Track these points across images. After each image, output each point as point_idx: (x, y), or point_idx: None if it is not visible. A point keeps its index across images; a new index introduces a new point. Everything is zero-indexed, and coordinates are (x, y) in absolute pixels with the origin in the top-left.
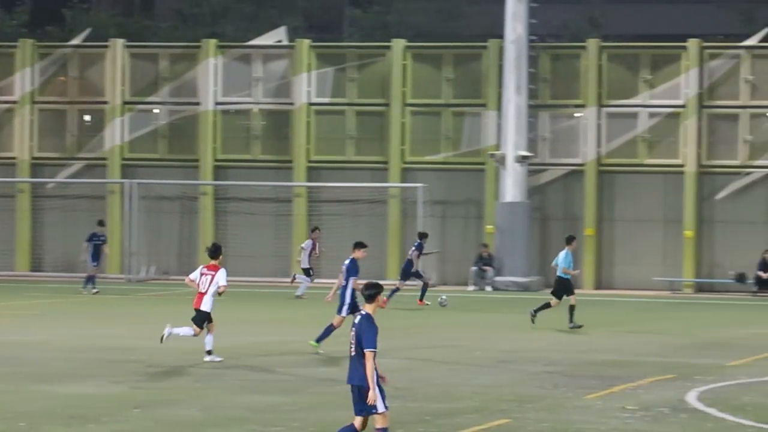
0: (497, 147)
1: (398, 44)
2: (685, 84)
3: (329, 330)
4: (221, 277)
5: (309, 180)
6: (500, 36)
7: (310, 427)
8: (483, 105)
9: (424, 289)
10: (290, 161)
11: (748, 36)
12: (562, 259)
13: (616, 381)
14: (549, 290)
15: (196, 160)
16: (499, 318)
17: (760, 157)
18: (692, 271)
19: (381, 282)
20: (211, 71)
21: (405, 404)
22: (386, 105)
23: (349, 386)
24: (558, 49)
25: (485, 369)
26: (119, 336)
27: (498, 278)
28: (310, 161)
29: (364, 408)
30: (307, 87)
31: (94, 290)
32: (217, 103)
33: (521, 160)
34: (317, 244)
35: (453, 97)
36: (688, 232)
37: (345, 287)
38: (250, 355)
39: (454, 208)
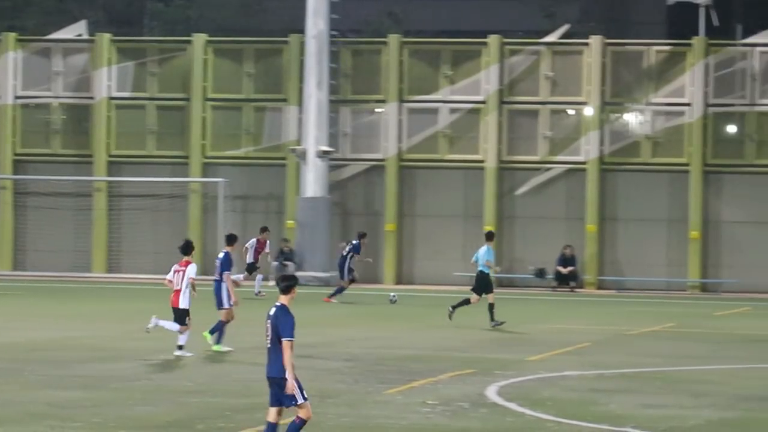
0: (298, 142)
1: (199, 39)
2: (486, 80)
3: (221, 326)
4: (191, 271)
5: (110, 174)
6: (301, 31)
7: (110, 423)
8: (284, 100)
9: (341, 289)
10: (90, 156)
11: (548, 32)
12: (483, 254)
13: (417, 376)
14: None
15: None
16: (298, 313)
17: (560, 153)
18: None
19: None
20: (10, 65)
21: (205, 399)
22: (187, 99)
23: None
24: (359, 44)
25: None
26: None
27: (299, 273)
28: (110, 156)
29: (281, 399)
30: (107, 81)
31: None
32: (17, 97)
33: (322, 155)
34: (268, 243)
35: (254, 92)
36: (488, 227)
37: (219, 282)
38: (50, 351)
39: (255, 203)
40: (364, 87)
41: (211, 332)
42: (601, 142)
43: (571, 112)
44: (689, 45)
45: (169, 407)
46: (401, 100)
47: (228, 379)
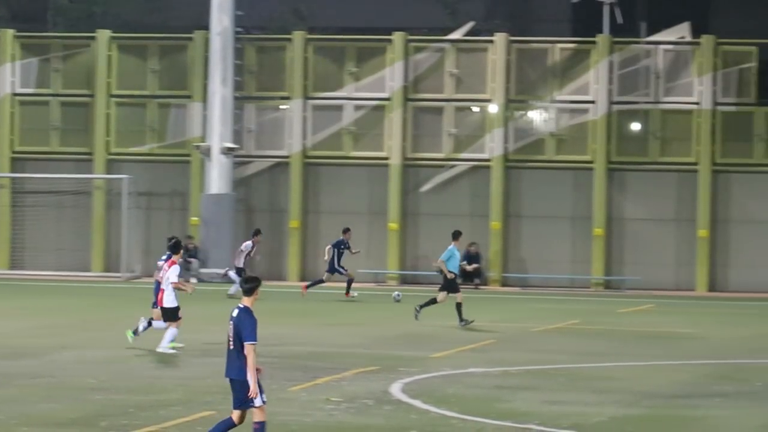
0: (203, 139)
1: (103, 35)
2: (390, 77)
3: (149, 324)
4: (172, 273)
5: (13, 171)
6: (206, 28)
7: (12, 420)
8: (188, 96)
9: (319, 281)
10: None
11: (452, 29)
12: (447, 254)
13: (321, 373)
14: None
15: None
16: (203, 310)
17: (465, 150)
18: (397, 263)
19: (82, 274)
20: None
21: (109, 396)
22: (91, 96)
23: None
24: (264, 41)
25: (190, 361)
26: None
27: (203, 270)
28: (14, 152)
29: (243, 401)
30: (11, 77)
31: None
32: None
33: (227, 151)
34: (257, 247)
35: (159, 88)
36: (393, 225)
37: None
38: None
39: (159, 199)
40: (269, 84)
41: (135, 332)
42: (506, 140)
43: (475, 109)
44: (594, 43)
45: (72, 404)
46: (306, 97)
47: (132, 376)
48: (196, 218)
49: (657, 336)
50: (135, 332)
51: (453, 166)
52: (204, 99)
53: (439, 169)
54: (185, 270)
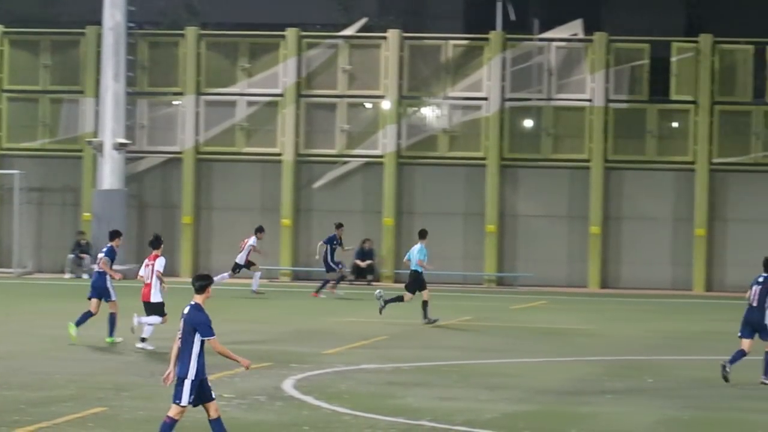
0: (95, 134)
1: None
2: (283, 73)
3: (87, 316)
4: (159, 264)
5: None
6: (99, 23)
7: None
8: (81, 92)
9: (325, 284)
10: None
11: (345, 26)
12: (416, 252)
13: (213, 369)
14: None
15: None
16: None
17: (358, 147)
18: (290, 259)
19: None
20: None
21: (0, 393)
22: None
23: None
24: (157, 36)
25: (82, 358)
26: None
27: (95, 266)
28: None
29: (205, 394)
30: None
31: None
32: None
33: (119, 147)
34: (258, 243)
35: (51, 83)
36: (285, 221)
37: (104, 274)
38: None
39: (51, 195)
40: (162, 79)
41: (77, 324)
42: (399, 136)
43: (368, 105)
44: (486, 39)
45: None
46: (198, 93)
47: (24, 372)
48: (88, 214)
49: (549, 332)
50: (78, 324)
51: (346, 163)
52: (96, 94)
53: (332, 165)
54: (77, 266)
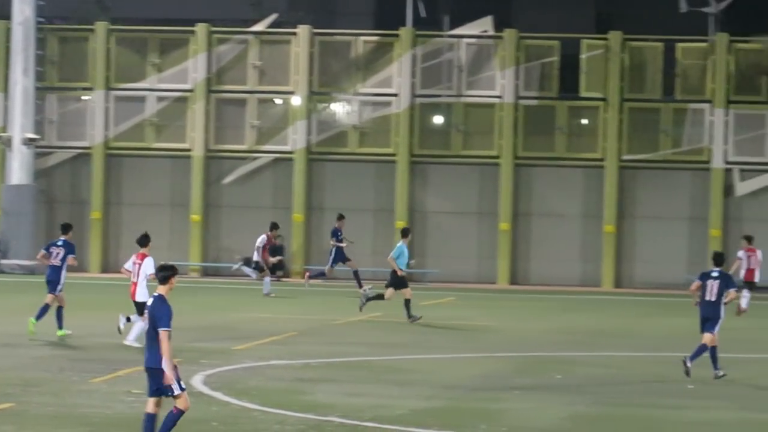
0: (4, 129)
1: None
2: (193, 68)
3: (45, 310)
4: (148, 266)
5: None
6: (8, 17)
7: None
8: None
9: (356, 275)
10: None
11: (255, 21)
12: (396, 251)
13: (121, 365)
14: None
15: None
16: (2, 302)
17: (268, 143)
18: (199, 255)
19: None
20: None
21: None
22: None
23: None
24: (66, 31)
25: None
26: None
27: (4, 261)
28: None
29: (159, 389)
30: None
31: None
32: None
33: (28, 142)
34: (271, 240)
35: None
36: (195, 216)
37: (58, 268)
38: None
39: None
40: (71, 74)
41: (59, 327)
42: (309, 132)
43: (278, 101)
44: (396, 36)
45: None
46: (108, 88)
47: None
48: None
49: (458, 328)
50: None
51: (255, 158)
52: (5, 89)
53: (242, 161)
54: None
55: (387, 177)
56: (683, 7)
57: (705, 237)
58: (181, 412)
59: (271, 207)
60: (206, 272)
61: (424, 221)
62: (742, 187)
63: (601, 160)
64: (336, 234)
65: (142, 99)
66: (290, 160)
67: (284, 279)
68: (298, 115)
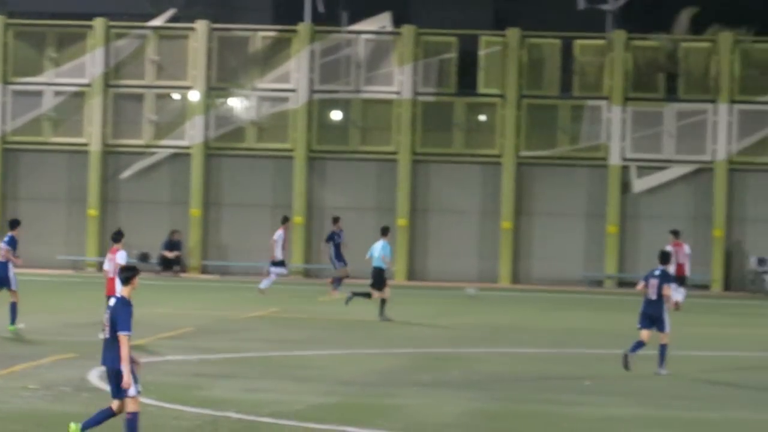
0: None
1: None
2: (91, 63)
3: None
4: (120, 258)
5: None
6: None
7: None
8: None
9: (339, 280)
10: None
11: (153, 16)
12: (379, 249)
13: (18, 360)
14: None
15: None
16: None
17: (165, 138)
18: (96, 250)
19: None
20: None
21: None
22: None
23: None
24: None
25: None
26: None
27: None
28: None
29: (119, 391)
30: None
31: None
32: None
33: None
34: (287, 234)
35: None
36: (92, 211)
37: (6, 263)
38: None
39: None
40: None
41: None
42: (207, 127)
43: (176, 96)
44: (295, 31)
45: None
46: (5, 82)
47: None
48: None
49: (355, 325)
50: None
51: (153, 153)
52: None
53: (140, 156)
54: None
55: (285, 172)
56: (581, 4)
57: (602, 233)
58: (135, 416)
59: (168, 202)
60: (103, 267)
61: (322, 217)
62: (639, 184)
63: (499, 156)
64: (333, 237)
65: (39, 93)
66: (188, 155)
67: (181, 274)
68: (196, 110)
